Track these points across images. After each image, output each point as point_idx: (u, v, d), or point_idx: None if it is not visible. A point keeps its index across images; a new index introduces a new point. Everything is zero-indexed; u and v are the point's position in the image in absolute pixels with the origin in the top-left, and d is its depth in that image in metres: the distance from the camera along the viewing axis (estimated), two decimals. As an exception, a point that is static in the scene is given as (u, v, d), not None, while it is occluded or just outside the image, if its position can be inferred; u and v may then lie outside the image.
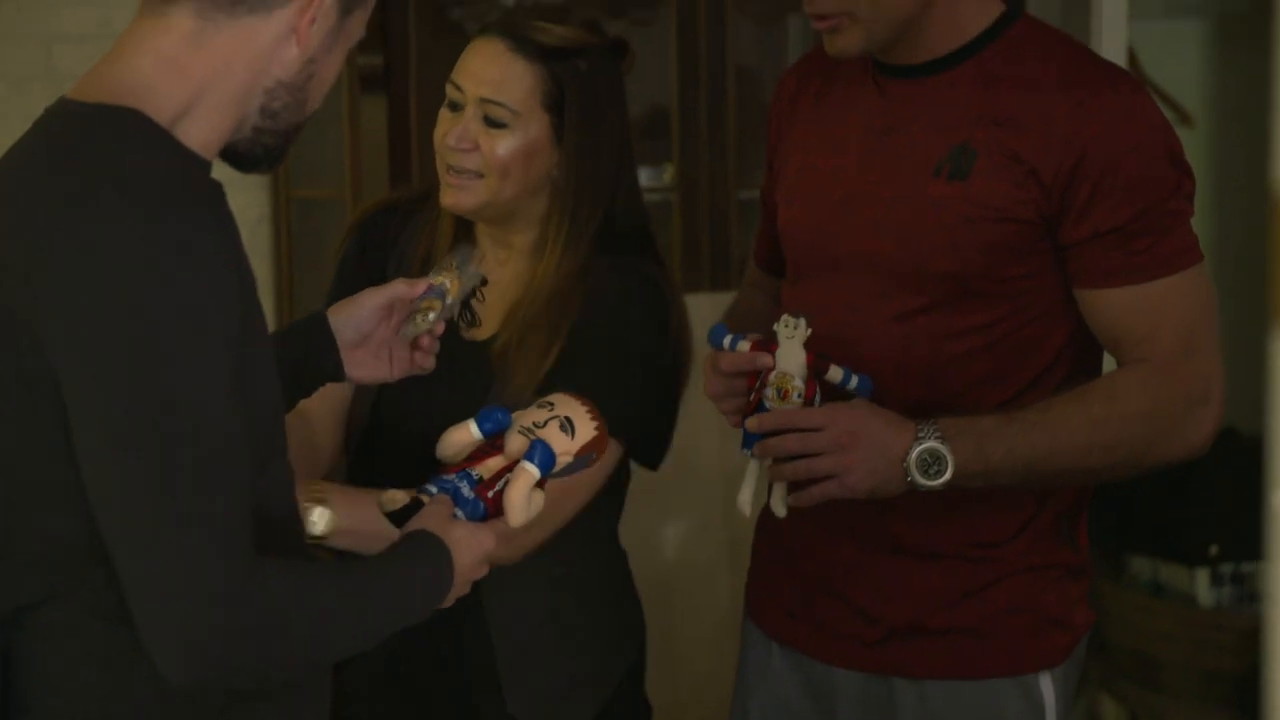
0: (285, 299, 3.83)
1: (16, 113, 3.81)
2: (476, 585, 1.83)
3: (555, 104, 2.24)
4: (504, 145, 2.23)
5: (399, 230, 2.37)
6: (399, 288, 2.01)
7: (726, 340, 2.10)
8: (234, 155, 1.70)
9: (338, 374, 2.00)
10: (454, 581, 1.74)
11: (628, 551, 2.37)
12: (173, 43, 1.63)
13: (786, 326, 2.06)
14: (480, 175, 2.24)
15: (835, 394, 2.08)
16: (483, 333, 2.30)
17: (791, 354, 2.06)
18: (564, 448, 1.85)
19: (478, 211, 2.27)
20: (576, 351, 2.21)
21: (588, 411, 1.88)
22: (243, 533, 1.54)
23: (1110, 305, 2.12)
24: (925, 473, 2.04)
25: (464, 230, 2.34)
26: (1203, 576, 3.87)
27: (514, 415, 1.87)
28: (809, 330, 2.06)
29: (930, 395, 2.12)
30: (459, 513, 1.80)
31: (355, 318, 2.01)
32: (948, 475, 2.04)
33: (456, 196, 2.25)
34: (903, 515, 2.14)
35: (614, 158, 2.28)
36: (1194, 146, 4.15)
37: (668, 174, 3.85)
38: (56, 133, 1.62)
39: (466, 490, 1.81)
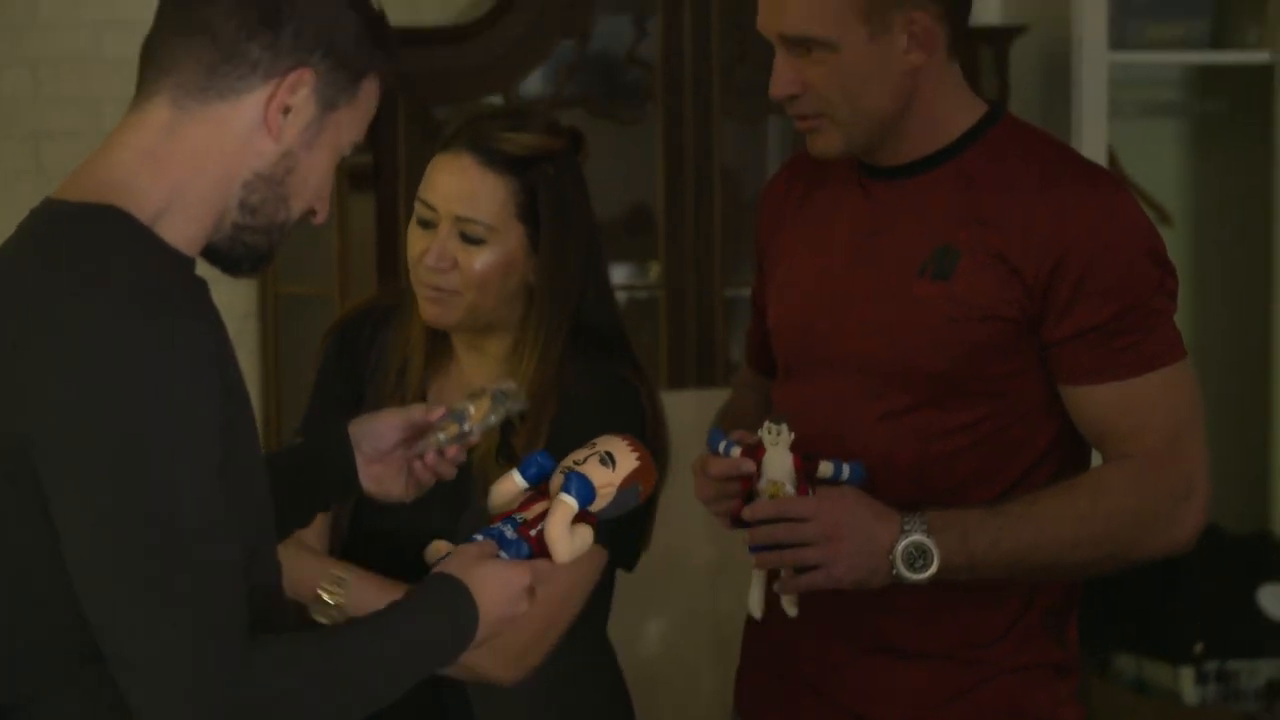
0: (272, 395, 3.84)
1: (3, 209, 3.85)
2: (464, 686, 1.82)
3: (528, 213, 2.24)
4: (481, 261, 2.23)
5: (375, 336, 2.37)
6: (415, 412, 1.99)
7: (721, 445, 2.11)
8: (216, 255, 1.69)
9: (353, 487, 1.98)
10: (479, 620, 1.71)
11: (614, 646, 2.37)
12: (151, 135, 1.64)
13: (770, 433, 2.07)
14: (459, 292, 2.24)
15: (830, 486, 2.08)
16: None
17: (778, 460, 2.07)
18: (604, 479, 1.82)
19: (458, 325, 2.28)
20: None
21: (629, 445, 1.85)
22: (236, 617, 1.54)
23: (1094, 402, 2.13)
24: (910, 566, 2.04)
25: (438, 337, 2.34)
26: (1187, 674, 3.86)
27: (565, 459, 1.85)
28: (791, 435, 2.07)
29: (917, 494, 2.12)
30: (504, 555, 1.77)
31: (374, 434, 1.98)
32: (933, 569, 2.04)
33: (437, 312, 2.25)
34: (890, 613, 2.13)
35: (584, 255, 2.28)
36: (1172, 245, 4.16)
37: (653, 271, 3.87)
38: (40, 233, 1.63)
39: (510, 533, 1.79)
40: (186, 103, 1.63)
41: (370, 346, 2.37)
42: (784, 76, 2.13)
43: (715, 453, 2.12)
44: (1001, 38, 3.80)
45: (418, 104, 3.61)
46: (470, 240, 2.23)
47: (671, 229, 3.75)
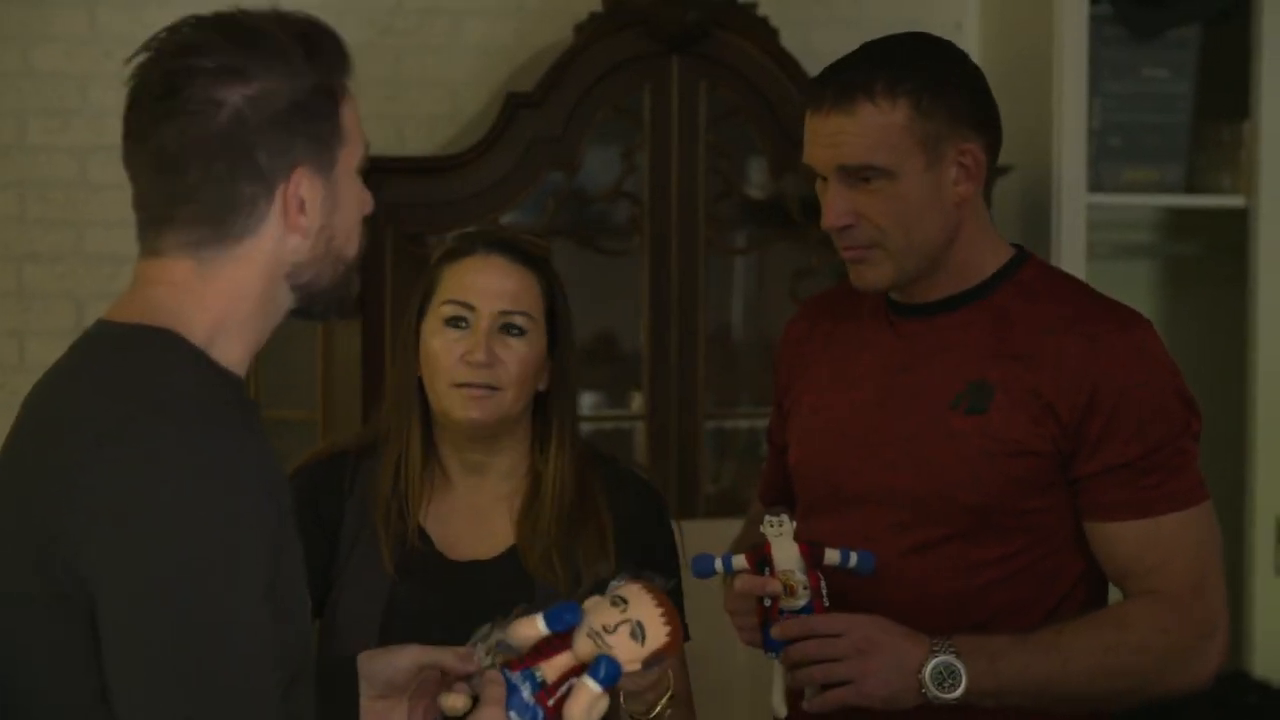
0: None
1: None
2: None
3: (550, 314, 2.32)
4: (523, 354, 2.28)
5: (353, 478, 2.36)
6: (449, 659, 1.91)
7: (717, 562, 2.12)
8: (306, 315, 1.72)
9: None
10: None
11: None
12: (182, 278, 1.65)
13: (771, 527, 2.09)
14: (497, 388, 2.27)
15: (840, 576, 2.10)
16: (483, 551, 2.31)
17: (785, 550, 2.08)
18: (631, 655, 1.80)
19: (493, 425, 2.30)
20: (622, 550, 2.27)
21: (662, 615, 1.82)
22: None
23: (1120, 539, 2.16)
24: (940, 686, 2.05)
25: (430, 456, 2.34)
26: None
27: (586, 608, 1.82)
28: (793, 524, 2.08)
29: (950, 627, 2.13)
30: (513, 715, 1.76)
31: (389, 670, 1.94)
32: (961, 690, 2.05)
33: (478, 413, 2.27)
34: None
35: (574, 359, 2.37)
36: (1147, 385, 4.21)
37: (635, 401, 3.88)
38: (96, 352, 1.64)
39: (527, 694, 1.77)
40: (204, 253, 1.65)
41: (348, 493, 2.36)
42: (838, 207, 2.17)
43: (709, 573, 2.12)
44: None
45: (404, 233, 3.63)
46: (514, 332, 2.28)
47: (655, 360, 3.77)
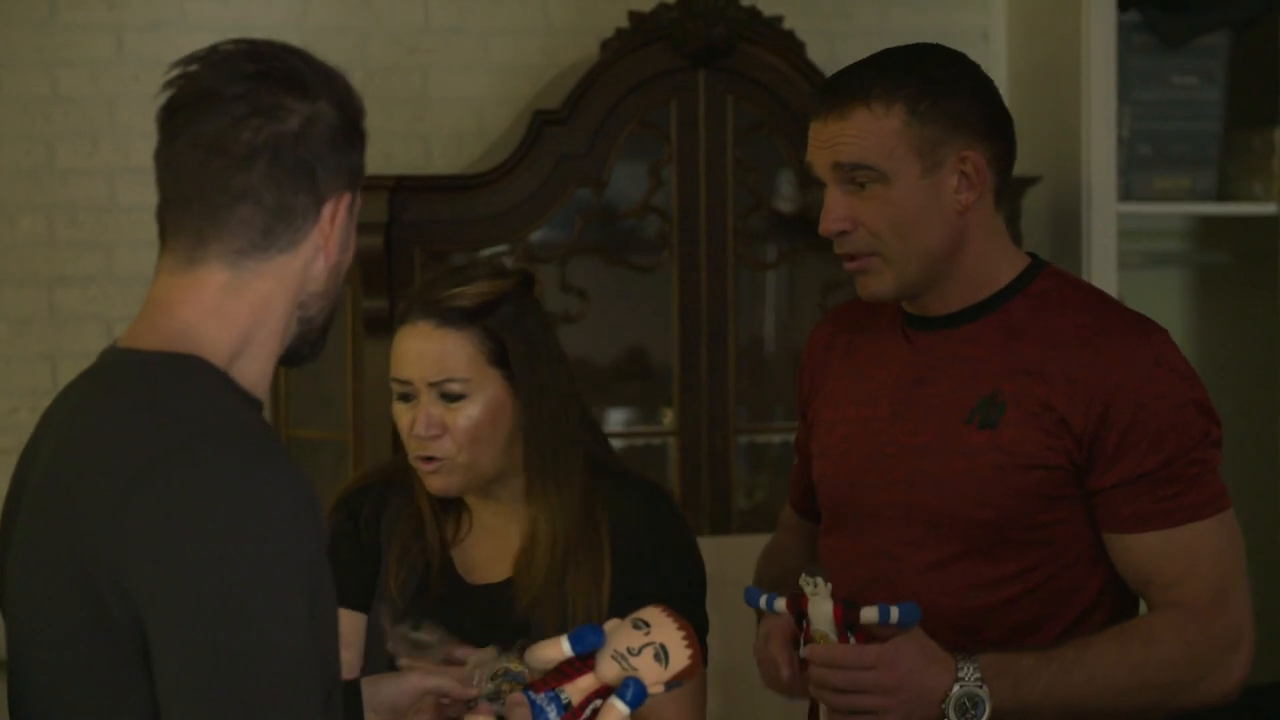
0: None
1: (17, 354, 3.87)
2: None
3: (499, 358, 2.27)
4: (467, 416, 2.26)
5: (383, 505, 2.39)
6: (452, 684, 1.95)
7: (762, 601, 2.11)
8: (290, 356, 1.72)
9: None
10: None
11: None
12: (212, 294, 1.65)
13: (809, 586, 2.07)
14: (453, 456, 2.26)
15: (884, 631, 2.07)
16: (494, 575, 2.31)
17: (820, 610, 2.06)
18: (655, 678, 1.81)
19: (464, 488, 2.29)
20: (632, 585, 2.23)
21: (684, 638, 1.84)
22: None
23: (1139, 550, 2.14)
24: (962, 715, 2.04)
25: (448, 500, 2.34)
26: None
27: (607, 630, 1.84)
28: (829, 585, 2.06)
29: (968, 643, 2.12)
30: None
31: (393, 692, 1.96)
32: (984, 717, 2.04)
33: (440, 484, 2.28)
34: None
35: (564, 386, 2.32)
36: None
37: (667, 418, 3.88)
38: (124, 380, 1.63)
39: (554, 716, 1.78)
40: (244, 263, 1.64)
41: (381, 518, 2.38)
42: (835, 212, 2.17)
43: (756, 608, 2.12)
44: (1013, 187, 3.83)
45: (432, 252, 3.63)
46: (452, 399, 2.25)
47: (685, 375, 3.76)
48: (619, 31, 3.78)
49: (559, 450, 2.29)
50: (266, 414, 3.75)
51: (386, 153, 3.92)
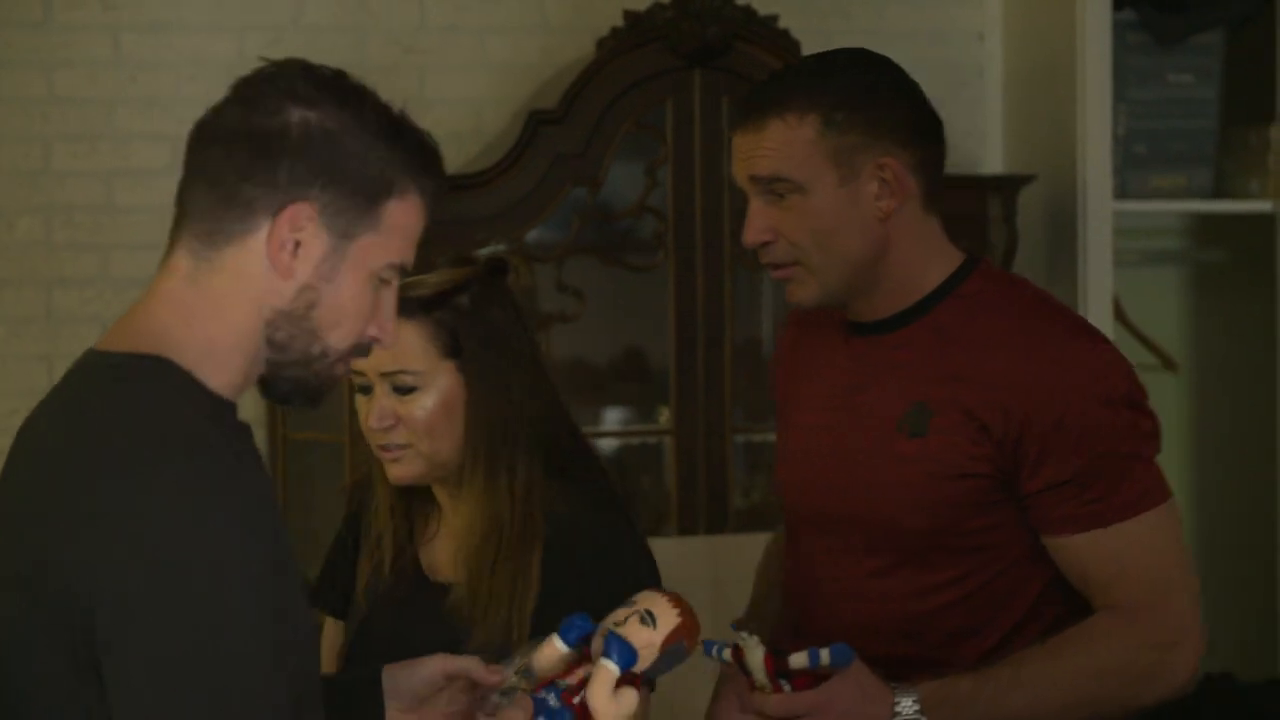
0: (280, 541, 3.82)
1: (14, 355, 3.87)
2: None
3: (453, 349, 2.23)
4: (420, 407, 2.23)
5: (365, 503, 2.40)
6: (477, 668, 1.91)
7: (714, 650, 2.08)
8: (266, 390, 1.69)
9: None
10: None
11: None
12: (178, 283, 1.64)
13: (742, 640, 2.05)
14: (409, 444, 2.24)
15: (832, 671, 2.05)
16: (446, 575, 2.31)
17: (753, 661, 2.04)
18: (645, 640, 1.81)
19: (424, 477, 2.28)
20: (558, 591, 2.18)
21: (670, 600, 1.84)
22: None
23: (1074, 552, 2.12)
24: None
25: (414, 493, 2.34)
26: (1202, 824, 3.83)
27: (606, 619, 1.84)
28: (754, 638, 2.04)
29: (910, 650, 2.13)
30: None
31: (413, 680, 1.92)
32: None
33: (398, 471, 2.26)
34: None
35: (526, 379, 2.26)
36: (1175, 393, 4.20)
37: (663, 416, 3.88)
38: (88, 385, 1.63)
39: (553, 701, 1.79)
40: (202, 250, 1.64)
41: (365, 510, 2.39)
42: (755, 224, 2.17)
43: (709, 655, 2.08)
44: (1009, 186, 3.84)
45: (429, 251, 3.63)
46: (404, 391, 2.23)
47: (682, 374, 3.77)
48: (614, 31, 3.78)
49: (502, 445, 2.24)
50: (262, 415, 3.78)
51: (383, 153, 3.91)
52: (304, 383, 1.67)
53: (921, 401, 2.15)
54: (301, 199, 1.62)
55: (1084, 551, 2.11)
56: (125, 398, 1.59)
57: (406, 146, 1.68)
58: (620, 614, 1.84)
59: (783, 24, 3.83)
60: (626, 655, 1.79)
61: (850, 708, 2.01)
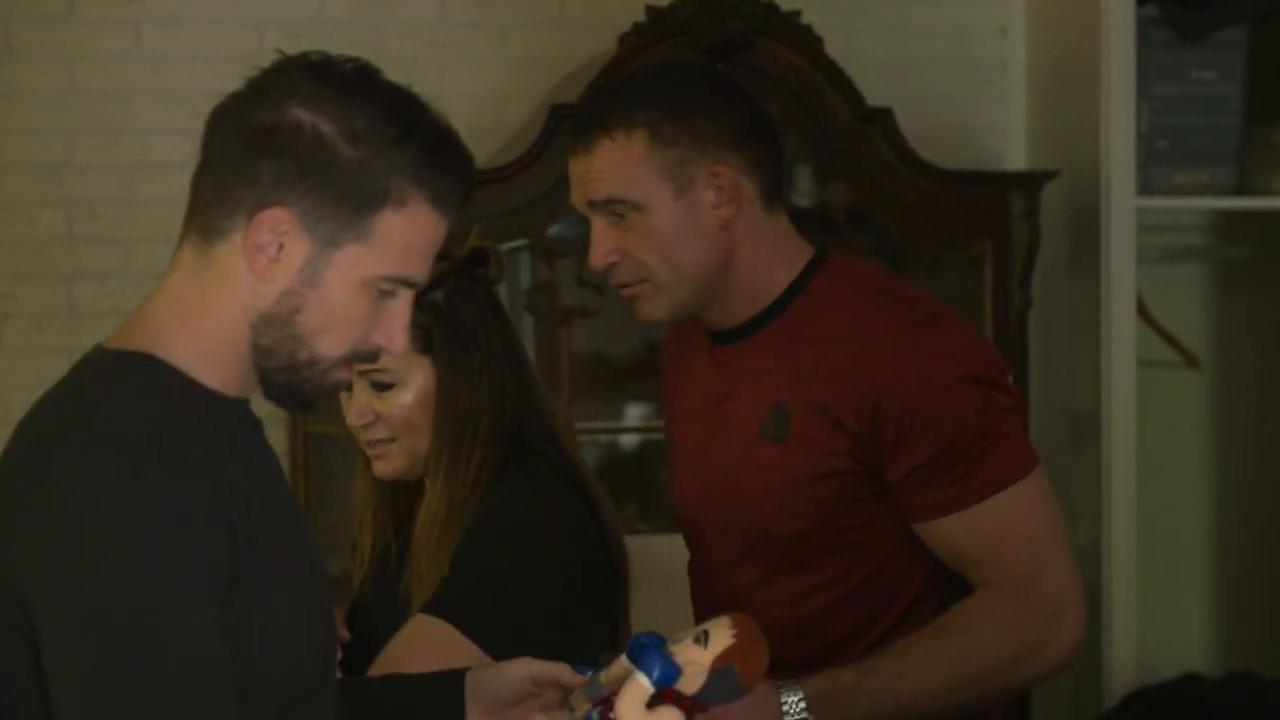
0: (300, 535, 3.82)
1: (36, 348, 3.88)
2: None
3: (426, 344, 2.23)
4: (397, 404, 2.24)
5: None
6: (565, 673, 1.89)
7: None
8: (265, 390, 1.67)
9: None
10: None
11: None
12: (179, 279, 1.64)
13: (575, 699, 1.96)
14: (390, 439, 2.25)
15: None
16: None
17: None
18: (692, 658, 1.75)
19: (409, 471, 2.28)
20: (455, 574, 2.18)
21: (731, 623, 1.78)
22: None
23: (945, 535, 2.12)
24: None
25: (399, 485, 2.35)
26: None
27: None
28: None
29: (803, 652, 2.12)
30: None
31: (497, 683, 1.89)
32: None
33: (383, 467, 2.28)
34: None
35: (497, 373, 2.25)
36: (1197, 390, 4.19)
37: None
38: (73, 383, 1.64)
39: (595, 717, 1.77)
40: (201, 244, 1.62)
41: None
42: (601, 246, 2.15)
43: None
44: (1032, 182, 3.83)
45: (448, 246, 3.63)
46: (382, 387, 2.24)
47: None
48: (636, 26, 3.78)
49: (465, 437, 2.23)
50: (280, 410, 3.76)
51: (403, 147, 3.92)
52: (294, 388, 1.64)
53: (779, 405, 2.13)
54: (279, 203, 1.59)
55: (954, 534, 2.11)
56: (94, 397, 1.59)
57: (419, 152, 1.62)
58: (682, 633, 1.80)
59: (805, 19, 3.82)
60: (665, 671, 1.73)
61: (740, 718, 1.97)
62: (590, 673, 1.86)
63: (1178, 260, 4.21)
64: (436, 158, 1.64)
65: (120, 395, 1.58)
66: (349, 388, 2.27)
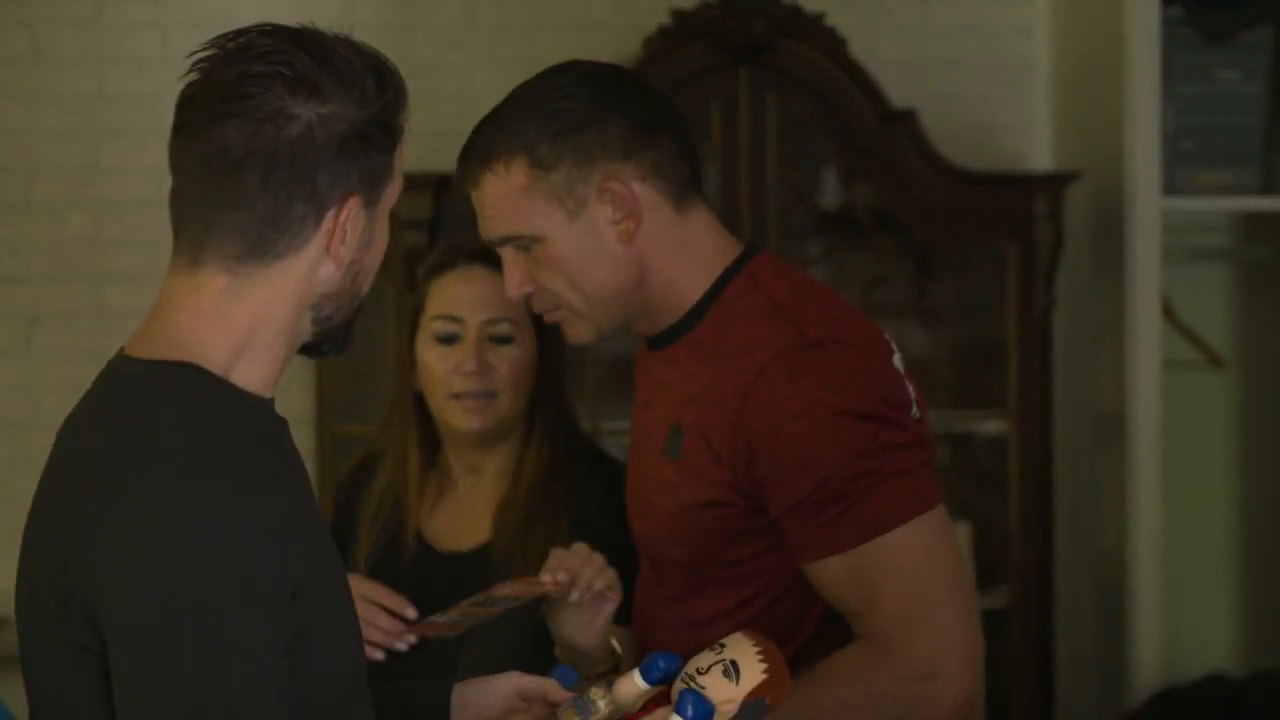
0: (327, 535, 3.84)
1: (65, 350, 3.90)
2: None
3: (536, 317, 2.29)
4: (514, 359, 2.34)
5: (365, 484, 2.47)
6: (548, 687, 1.88)
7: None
8: (303, 350, 1.70)
9: None
10: None
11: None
12: (209, 299, 1.62)
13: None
14: (494, 395, 2.32)
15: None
16: (463, 544, 2.37)
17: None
18: (725, 695, 1.72)
19: (494, 431, 2.35)
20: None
21: (759, 653, 1.75)
22: None
23: (825, 578, 1.97)
24: None
25: (433, 462, 2.38)
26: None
27: (690, 661, 1.77)
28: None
29: None
30: None
31: (485, 697, 1.89)
32: None
33: (477, 422, 2.33)
34: None
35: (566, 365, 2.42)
36: (1222, 391, 4.18)
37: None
38: (116, 393, 1.63)
39: None
40: (242, 269, 1.62)
41: (360, 496, 2.47)
42: (513, 279, 2.06)
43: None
44: (1056, 183, 3.83)
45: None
46: (501, 340, 2.33)
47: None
48: (661, 29, 3.79)
49: (554, 414, 2.37)
50: (307, 411, 3.79)
51: (430, 149, 3.93)
52: (339, 338, 1.69)
53: (676, 425, 2.04)
54: (346, 194, 1.63)
55: (830, 579, 1.96)
56: (147, 410, 1.59)
57: (389, 87, 1.67)
58: (705, 660, 1.76)
59: (829, 21, 3.83)
60: (701, 713, 1.70)
61: None
62: (574, 684, 1.86)
63: (1202, 261, 4.21)
64: (402, 88, 1.68)
65: (176, 408, 1.58)
66: (449, 340, 2.34)
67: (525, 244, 2.04)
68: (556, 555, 2.11)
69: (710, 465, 1.99)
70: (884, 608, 1.93)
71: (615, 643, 2.16)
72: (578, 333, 2.09)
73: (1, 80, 3.94)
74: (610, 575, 2.09)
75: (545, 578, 2.07)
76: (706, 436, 1.99)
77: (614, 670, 2.14)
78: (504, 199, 2.02)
